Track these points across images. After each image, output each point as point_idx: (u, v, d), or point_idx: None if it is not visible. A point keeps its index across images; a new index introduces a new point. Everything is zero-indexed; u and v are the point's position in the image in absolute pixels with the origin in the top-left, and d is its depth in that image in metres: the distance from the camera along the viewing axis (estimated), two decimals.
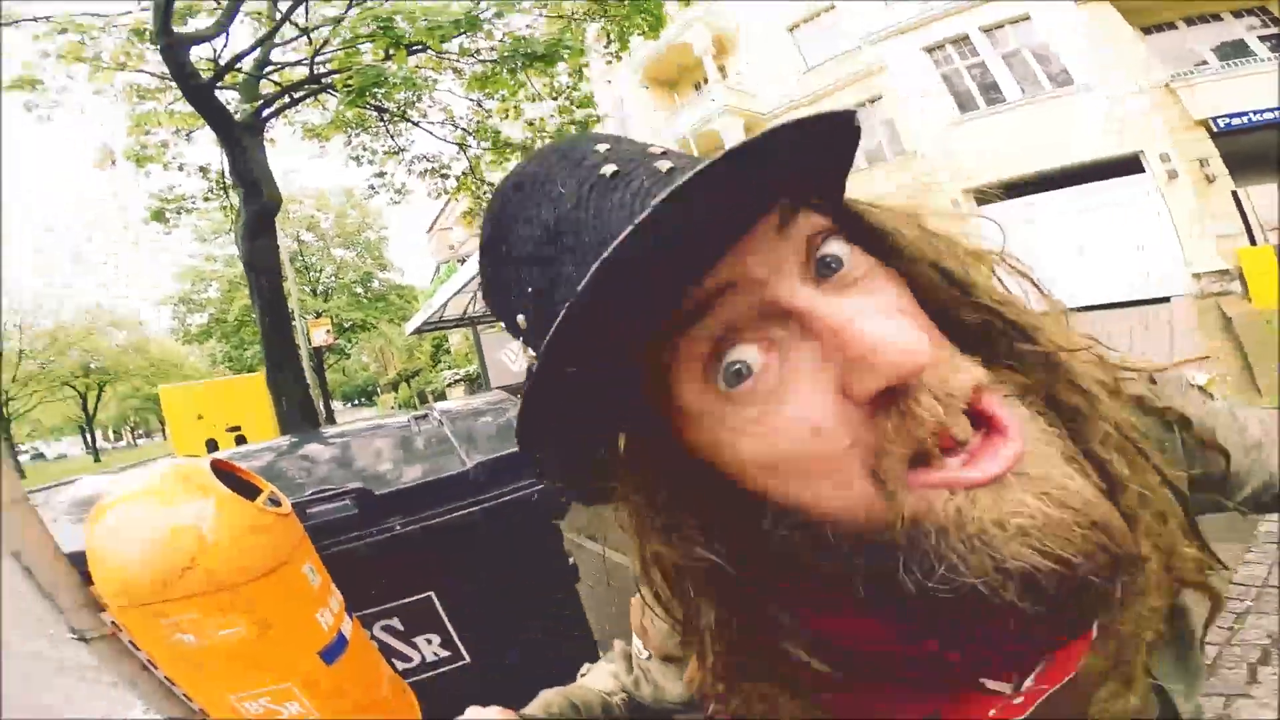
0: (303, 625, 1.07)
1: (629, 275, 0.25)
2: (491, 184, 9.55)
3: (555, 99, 8.54)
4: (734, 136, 14.55)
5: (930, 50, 12.41)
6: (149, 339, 31.50)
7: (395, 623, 1.69)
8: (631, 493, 0.35)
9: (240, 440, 8.23)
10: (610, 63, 8.13)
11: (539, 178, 0.33)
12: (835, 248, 0.32)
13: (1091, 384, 0.35)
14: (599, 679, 0.67)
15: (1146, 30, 10.89)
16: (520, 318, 0.35)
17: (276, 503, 1.23)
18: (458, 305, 16.74)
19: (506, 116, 8.79)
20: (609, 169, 0.31)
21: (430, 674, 1.73)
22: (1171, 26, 11.05)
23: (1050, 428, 0.31)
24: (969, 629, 0.32)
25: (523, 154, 8.88)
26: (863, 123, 0.32)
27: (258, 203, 5.95)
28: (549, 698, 0.61)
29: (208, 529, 1.00)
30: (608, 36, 7.47)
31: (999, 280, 0.38)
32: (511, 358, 20.49)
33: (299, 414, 5.55)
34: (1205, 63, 10.57)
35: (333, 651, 1.10)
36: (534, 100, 8.52)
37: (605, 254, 0.25)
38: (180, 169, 8.13)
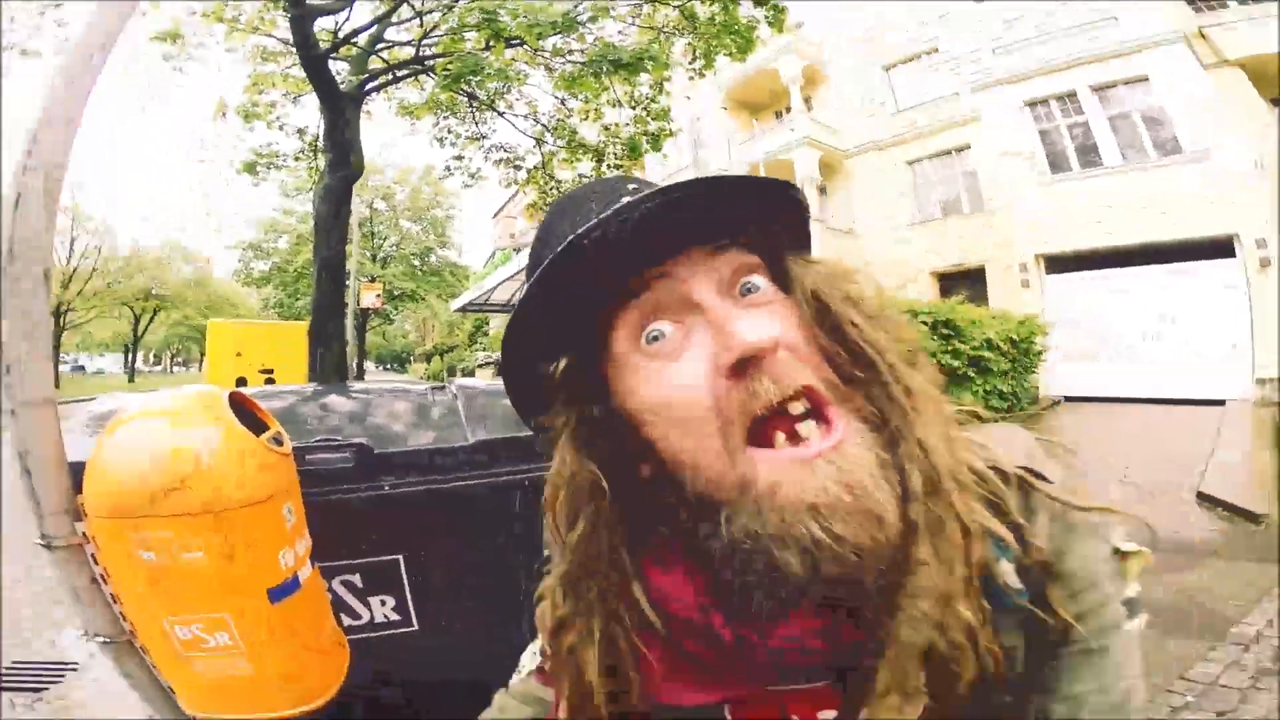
0: (263, 561, 1.07)
1: (597, 256, 0.40)
2: (560, 181, 9.84)
3: (634, 108, 8.70)
4: (806, 168, 14.42)
5: (1033, 104, 11.94)
6: (212, 277, 34.03)
7: (356, 579, 1.71)
8: (563, 409, 0.46)
9: (269, 382, 8.60)
10: (693, 79, 8.18)
11: (577, 199, 0.49)
12: (754, 280, 0.44)
13: (930, 431, 0.40)
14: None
15: (1276, 102, 10.10)
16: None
17: (279, 442, 1.25)
18: (505, 292, 17.28)
19: (586, 118, 9.06)
20: (627, 198, 0.41)
21: (373, 634, 1.74)
22: None
23: (876, 443, 0.39)
24: (755, 601, 0.40)
25: (594, 156, 9.11)
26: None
27: (343, 169, 6.29)
28: None
29: (207, 454, 1.03)
30: (694, 53, 7.54)
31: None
32: None
33: (330, 366, 5.80)
34: None
35: (281, 592, 1.10)
36: (614, 106, 8.71)
37: (574, 235, 0.40)
38: (281, 128, 8.76)
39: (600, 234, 0.39)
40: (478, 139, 9.66)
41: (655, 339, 0.42)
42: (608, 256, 0.40)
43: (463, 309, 20.66)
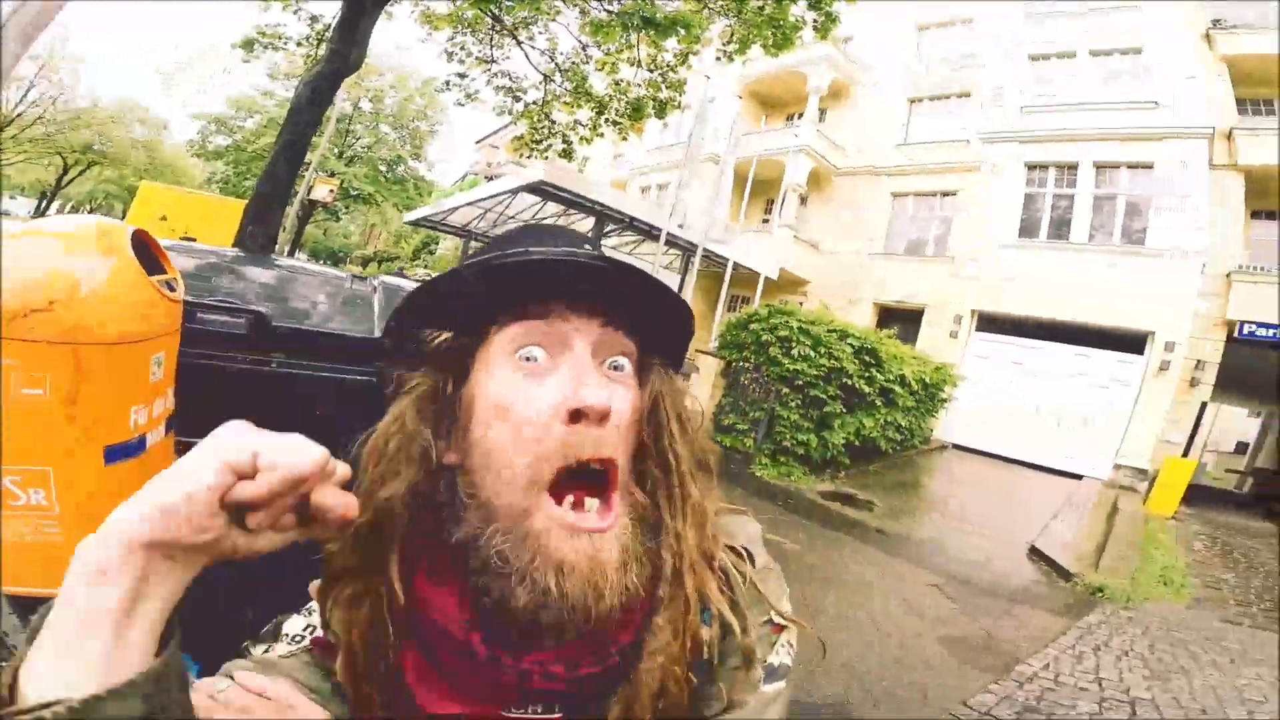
0: (109, 412, 0.94)
1: (529, 273, 0.49)
2: (554, 122, 9.56)
3: (652, 71, 8.48)
4: (796, 175, 14.59)
5: (1033, 167, 12.25)
6: (164, 142, 31.99)
7: None
8: (426, 374, 0.51)
9: None
10: (719, 60, 8.05)
11: (548, 233, 0.56)
12: (623, 361, 0.51)
13: (687, 528, 0.50)
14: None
15: (1256, 215, 10.55)
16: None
17: (171, 288, 1.13)
18: (464, 216, 16.93)
19: (601, 69, 8.83)
20: (565, 246, 0.54)
21: None
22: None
23: (632, 536, 0.48)
24: (501, 631, 0.47)
25: (597, 107, 8.83)
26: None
27: (340, 61, 5.99)
28: None
29: (87, 284, 0.90)
30: (731, 35, 7.39)
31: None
32: None
33: (258, 247, 5.51)
34: None
35: (121, 452, 0.96)
36: (633, 65, 8.47)
37: (529, 252, 0.50)
38: (295, 13, 8.48)
39: (543, 261, 0.48)
40: (487, 61, 9.35)
41: (529, 359, 0.48)
42: (536, 279, 0.48)
43: (415, 222, 20.30)
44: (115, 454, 0.96)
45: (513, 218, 16.28)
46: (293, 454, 0.35)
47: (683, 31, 6.35)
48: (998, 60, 13.23)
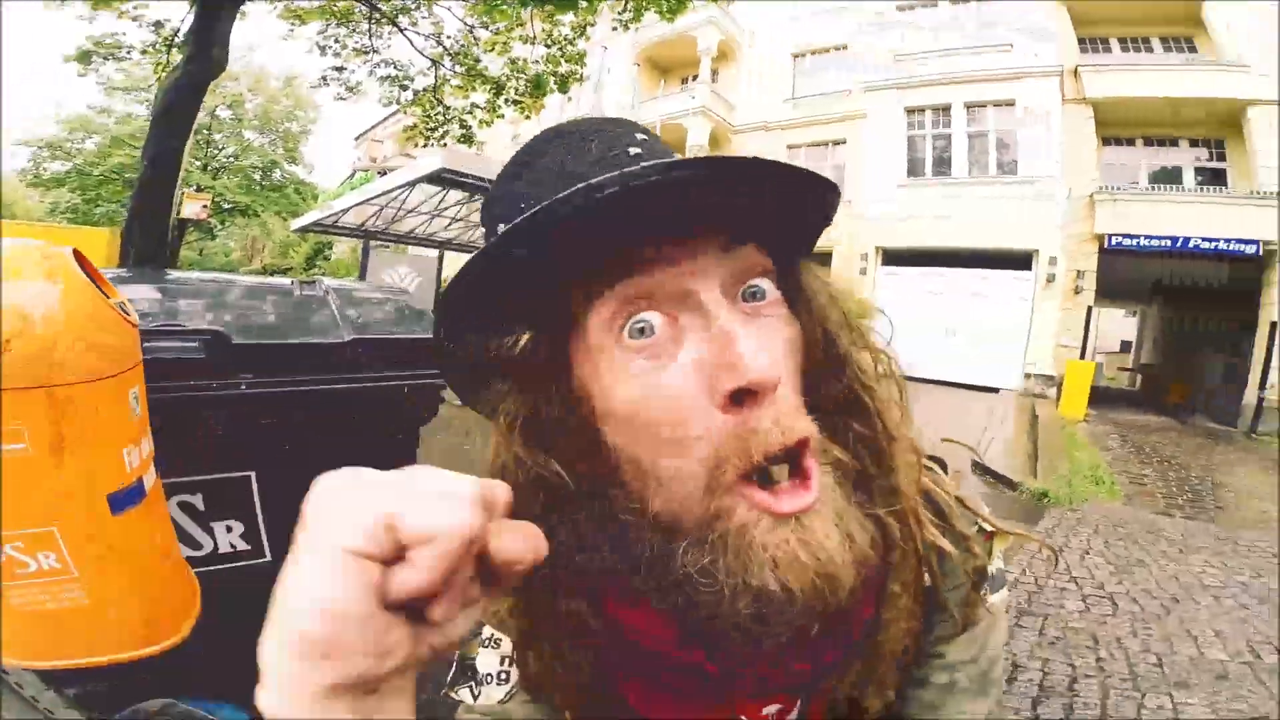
0: (103, 457, 0.83)
1: (596, 216, 0.31)
2: (447, 108, 9.08)
3: (549, 47, 8.26)
4: (698, 136, 14.88)
5: (911, 111, 13.01)
6: None
7: (196, 500, 1.45)
8: (516, 392, 0.39)
9: None
10: (615, 30, 7.91)
11: (580, 134, 0.41)
12: (763, 285, 0.38)
13: (902, 476, 0.41)
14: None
15: (1107, 141, 11.89)
16: (501, 225, 0.36)
17: (127, 312, 0.99)
18: (359, 215, 15.96)
19: (493, 49, 8.51)
20: (635, 151, 0.39)
21: (216, 567, 1.48)
22: (1130, 142, 12.07)
23: (844, 498, 0.38)
24: (725, 642, 0.40)
25: (493, 88, 8.48)
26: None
27: (203, 66, 5.45)
28: None
29: (42, 315, 0.77)
30: (625, 3, 7.27)
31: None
32: (397, 280, 19.85)
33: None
34: (1136, 183, 11.71)
35: (125, 500, 0.86)
36: (526, 42, 8.22)
37: (583, 185, 0.31)
38: (134, 19, 7.60)
39: (615, 190, 0.31)
40: (365, 52, 8.78)
41: (641, 332, 0.35)
42: (609, 219, 0.32)
43: (304, 229, 18.77)
44: (120, 502, 0.85)
45: (411, 211, 15.47)
46: (441, 504, 0.24)
47: (584, 4, 6.18)
48: (869, 10, 13.92)
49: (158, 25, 7.72)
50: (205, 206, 15.84)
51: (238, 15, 6.38)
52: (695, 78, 15.97)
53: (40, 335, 0.77)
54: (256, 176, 23.07)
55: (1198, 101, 10.74)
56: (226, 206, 21.64)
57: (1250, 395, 10.09)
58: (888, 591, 0.42)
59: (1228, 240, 10.19)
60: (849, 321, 0.43)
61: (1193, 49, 11.79)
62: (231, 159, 22.66)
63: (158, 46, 7.82)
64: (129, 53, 8.09)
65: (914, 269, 12.75)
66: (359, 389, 1.57)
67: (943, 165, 12.70)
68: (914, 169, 12.93)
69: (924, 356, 11.91)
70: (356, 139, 37.62)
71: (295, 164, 24.35)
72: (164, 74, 6.94)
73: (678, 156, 0.36)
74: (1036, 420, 8.53)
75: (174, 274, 1.76)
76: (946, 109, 12.64)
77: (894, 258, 13.05)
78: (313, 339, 1.53)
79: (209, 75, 5.53)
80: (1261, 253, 10.12)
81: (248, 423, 1.47)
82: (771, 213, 0.37)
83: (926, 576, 0.44)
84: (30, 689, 1.09)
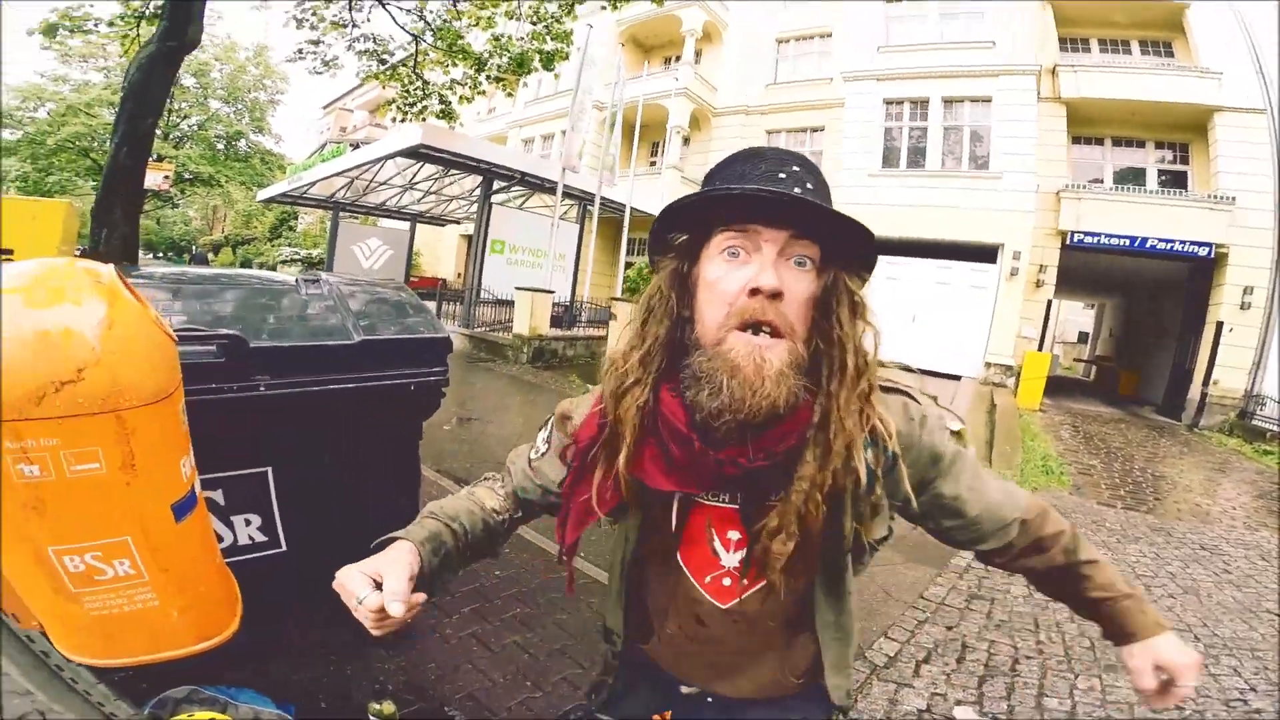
0: (167, 469, 0.89)
1: (738, 199, 0.65)
2: (427, 82, 8.88)
3: (534, 24, 8.08)
4: (679, 118, 14.98)
5: (890, 103, 13.09)
6: None
7: (217, 496, 1.52)
8: (671, 259, 0.72)
9: None
10: (604, 8, 7.78)
11: (760, 157, 0.71)
12: (806, 261, 0.67)
13: (843, 391, 0.66)
14: (489, 498, 0.87)
15: (1077, 140, 12.22)
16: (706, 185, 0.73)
17: (166, 327, 1.02)
18: (327, 187, 15.67)
19: (477, 24, 8.29)
20: (782, 175, 0.68)
21: (237, 559, 1.58)
22: (1099, 142, 12.40)
23: (797, 366, 0.65)
24: (707, 430, 0.66)
25: (475, 64, 8.30)
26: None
27: (177, 39, 5.22)
28: (432, 518, 0.80)
29: (102, 338, 0.79)
30: None
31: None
32: (366, 253, 19.47)
33: (116, 253, 4.85)
34: (1101, 180, 12.07)
35: (184, 507, 0.93)
36: (511, 17, 8.06)
37: (727, 189, 0.66)
38: None
39: (743, 195, 0.64)
40: (344, 25, 8.44)
41: (733, 254, 0.67)
42: (745, 203, 0.65)
43: (270, 200, 18.48)
44: (182, 510, 0.92)
45: (384, 184, 15.12)
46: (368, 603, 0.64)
47: None
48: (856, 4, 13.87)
49: None
50: (167, 177, 15.27)
51: None
52: (679, 58, 15.81)
53: (104, 362, 0.81)
54: (221, 146, 22.26)
55: (1168, 106, 11.09)
56: (187, 176, 20.88)
57: (1194, 391, 10.66)
58: (802, 453, 0.65)
59: (1183, 242, 10.64)
60: (850, 299, 0.69)
61: (1170, 53, 12.11)
62: (195, 128, 21.82)
63: (126, 19, 7.44)
64: (96, 25, 7.71)
65: (882, 258, 12.98)
66: (369, 388, 1.64)
67: (917, 157, 12.81)
68: (889, 160, 13.03)
69: (888, 344, 12.37)
70: (325, 108, 36.22)
71: (262, 134, 23.44)
72: (134, 49, 6.69)
73: (797, 191, 0.65)
74: (995, 408, 8.91)
75: (180, 272, 1.76)
76: (925, 103, 12.75)
77: None
78: (327, 341, 1.58)
79: (181, 51, 5.34)
80: (1214, 255, 10.61)
81: (265, 422, 1.52)
82: (821, 228, 0.66)
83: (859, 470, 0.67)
84: (83, 684, 1.15)
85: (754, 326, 0.63)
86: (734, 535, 0.73)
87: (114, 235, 4.69)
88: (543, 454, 0.86)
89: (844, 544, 0.71)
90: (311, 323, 1.64)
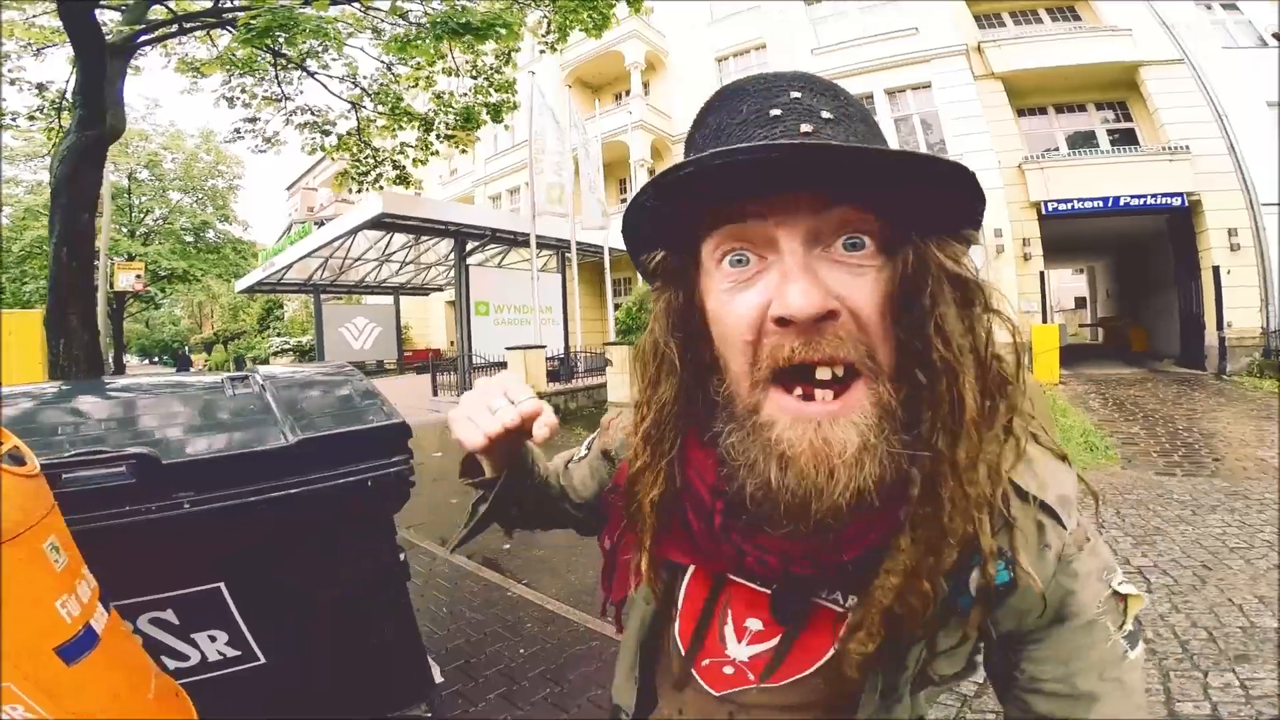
0: (37, 615, 0.86)
1: (720, 174, 0.39)
2: (376, 149, 8.84)
3: (475, 78, 8.07)
4: (640, 151, 15.13)
5: None
6: None
7: (168, 615, 1.37)
8: (661, 291, 0.53)
9: None
10: (544, 52, 7.81)
11: (739, 93, 0.47)
12: (863, 239, 0.43)
13: (963, 457, 0.43)
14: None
15: (1021, 112, 12.47)
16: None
17: (19, 460, 0.93)
18: (303, 270, 15.67)
19: (416, 85, 8.27)
20: (775, 113, 0.44)
21: (211, 675, 1.43)
22: (1043, 111, 12.64)
23: (886, 432, 0.42)
24: (735, 507, 0.48)
25: (422, 125, 8.27)
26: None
27: (95, 129, 5.05)
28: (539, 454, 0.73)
29: None
30: (548, 25, 7.17)
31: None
32: (355, 334, 19.45)
33: (78, 362, 4.63)
34: (1056, 149, 12.24)
35: (76, 649, 0.89)
36: (450, 74, 8.03)
37: (709, 153, 0.39)
38: (13, 83, 7.09)
39: (708, 167, 0.39)
40: (277, 100, 8.30)
41: (736, 262, 0.45)
42: (718, 180, 0.41)
43: (250, 290, 18.44)
44: (70, 653, 0.86)
45: (359, 259, 15.10)
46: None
47: (502, 32, 6.04)
48: (780, 9, 14.33)
49: (40, 88, 7.25)
50: (139, 276, 15.09)
51: (129, 71, 6.08)
52: (628, 92, 16.10)
53: None
54: (189, 239, 21.93)
55: (1092, 68, 11.37)
56: (163, 274, 20.47)
57: (1211, 337, 10.61)
58: (894, 541, 0.44)
59: (1155, 195, 10.76)
60: (958, 288, 0.44)
61: (1076, 17, 12.51)
62: (160, 221, 21.55)
63: (45, 111, 7.32)
64: (15, 119, 7.48)
65: None
66: (318, 490, 1.44)
67: None
68: None
69: None
70: (289, 189, 36.62)
71: (229, 222, 23.16)
72: (55, 138, 6.54)
73: (804, 126, 0.43)
74: None
75: (91, 386, 1.59)
76: (869, 97, 12.99)
77: None
78: (254, 448, 1.40)
79: (105, 139, 5.16)
80: (1187, 204, 10.72)
81: (201, 539, 1.35)
82: (870, 179, 0.40)
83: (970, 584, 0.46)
84: None
85: (801, 374, 0.42)
86: (755, 625, 0.54)
87: (73, 345, 4.47)
88: (581, 458, 0.76)
89: (902, 672, 0.49)
90: (238, 428, 1.47)
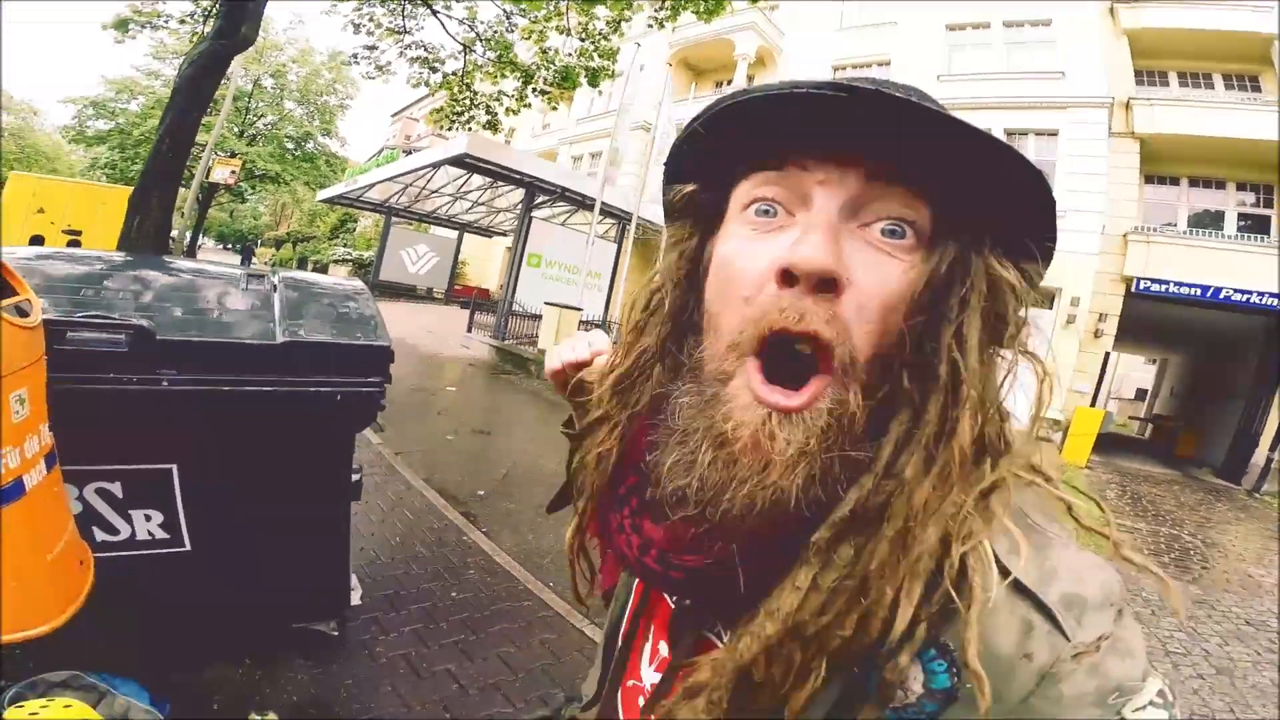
0: None
1: (751, 115, 0.39)
2: (476, 93, 9.14)
3: (581, 40, 8.23)
4: None
5: None
6: (34, 128, 30.17)
7: (115, 488, 1.48)
8: (675, 231, 0.49)
9: (73, 244, 7.62)
10: (651, 27, 7.88)
11: (800, 84, 0.43)
12: (905, 228, 0.38)
13: (920, 479, 0.36)
14: None
15: (1150, 179, 11.41)
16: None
17: (23, 313, 1.02)
18: (383, 191, 16.41)
19: (529, 37, 8.52)
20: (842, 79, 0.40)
21: (134, 553, 1.54)
22: (1174, 181, 11.50)
23: (821, 438, 0.36)
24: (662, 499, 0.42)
25: (523, 76, 8.51)
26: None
27: (229, 38, 5.47)
28: None
29: None
30: (663, 1, 7.27)
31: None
32: (414, 259, 20.29)
33: (147, 237, 5.08)
34: (1174, 224, 11.20)
35: None
36: (561, 32, 8.21)
37: (746, 93, 0.38)
38: None
39: (767, 97, 0.38)
40: (398, 32, 8.74)
41: (765, 212, 0.41)
42: (771, 120, 0.39)
43: (329, 200, 19.49)
44: None
45: (435, 191, 15.66)
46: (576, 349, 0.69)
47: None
48: (916, 28, 13.59)
49: None
50: (234, 172, 16.36)
51: None
52: (729, 82, 15.86)
53: None
54: (290, 146, 23.52)
55: (1253, 144, 10.20)
56: (258, 173, 22.08)
57: (1259, 456, 9.76)
58: (789, 574, 0.36)
59: (1261, 294, 9.77)
60: (992, 307, 0.38)
61: (1256, 88, 11.26)
62: (269, 127, 23.14)
63: (195, 16, 7.92)
64: (167, 21, 8.18)
65: None
66: (289, 393, 1.55)
67: None
68: None
69: None
70: (393, 116, 38.14)
71: (330, 136, 24.73)
72: (195, 43, 7.14)
73: (828, 82, 0.36)
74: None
75: (140, 261, 1.75)
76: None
77: None
78: (243, 339, 1.51)
79: (233, 50, 5.58)
80: None
81: (169, 418, 1.46)
82: (938, 167, 0.37)
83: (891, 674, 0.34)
84: None
85: (781, 347, 0.37)
86: (663, 649, 0.49)
87: (146, 222, 4.93)
88: None
89: None
90: (234, 319, 1.58)
